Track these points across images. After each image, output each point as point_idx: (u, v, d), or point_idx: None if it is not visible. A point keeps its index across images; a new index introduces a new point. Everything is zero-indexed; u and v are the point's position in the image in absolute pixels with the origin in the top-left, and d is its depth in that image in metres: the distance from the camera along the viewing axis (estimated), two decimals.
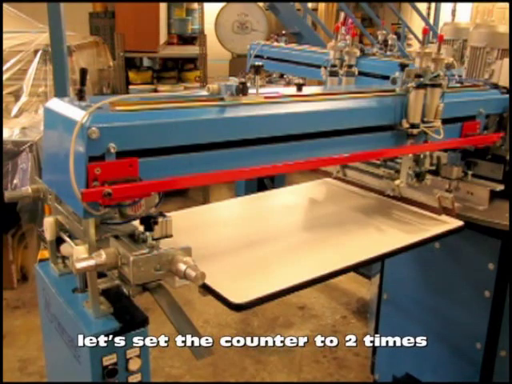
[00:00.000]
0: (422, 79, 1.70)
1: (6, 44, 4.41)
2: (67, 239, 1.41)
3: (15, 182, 3.57)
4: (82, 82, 1.27)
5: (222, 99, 1.36)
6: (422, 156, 1.83)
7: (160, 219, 1.24)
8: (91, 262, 1.18)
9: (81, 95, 1.26)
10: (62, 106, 1.28)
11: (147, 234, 1.23)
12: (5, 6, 4.70)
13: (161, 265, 1.20)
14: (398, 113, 1.72)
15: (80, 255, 1.21)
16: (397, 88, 1.74)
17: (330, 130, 1.57)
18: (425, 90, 1.71)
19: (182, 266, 1.18)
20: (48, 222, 1.44)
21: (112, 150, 1.16)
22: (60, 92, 3.36)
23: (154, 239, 1.23)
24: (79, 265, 1.16)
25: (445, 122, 1.89)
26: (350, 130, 1.63)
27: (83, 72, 1.27)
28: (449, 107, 1.84)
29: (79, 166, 1.14)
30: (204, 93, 1.40)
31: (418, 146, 1.79)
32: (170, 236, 1.27)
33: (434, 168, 1.86)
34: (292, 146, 1.49)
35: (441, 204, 1.83)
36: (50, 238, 1.47)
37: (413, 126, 1.72)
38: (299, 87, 1.63)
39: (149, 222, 1.23)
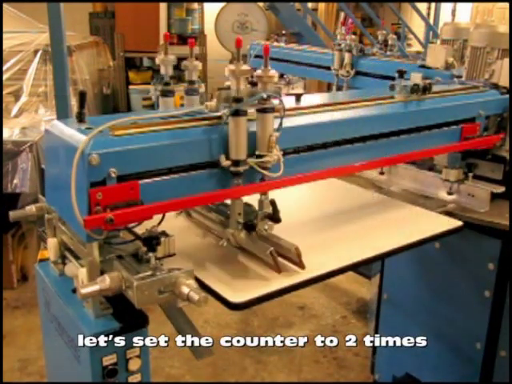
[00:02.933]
0: (239, 104, 1.32)
1: (5, 44, 4.41)
2: (72, 260, 1.41)
3: (15, 182, 3.57)
4: (82, 104, 1.27)
5: (220, 117, 1.36)
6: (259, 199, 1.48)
7: (162, 239, 1.25)
8: (96, 288, 1.19)
9: (80, 118, 1.26)
10: (63, 130, 1.28)
11: (150, 254, 1.23)
12: (5, 5, 4.70)
13: (164, 287, 1.20)
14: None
15: (85, 278, 1.23)
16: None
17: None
18: (245, 117, 1.34)
19: (185, 289, 1.18)
20: (52, 242, 1.46)
21: (113, 175, 1.16)
22: (60, 92, 3.35)
23: (157, 259, 1.24)
24: (84, 290, 1.17)
25: (444, 125, 1.89)
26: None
27: (82, 95, 1.27)
28: (448, 111, 1.84)
29: (81, 192, 1.15)
30: (202, 110, 1.40)
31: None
32: (174, 255, 1.28)
33: (270, 212, 1.47)
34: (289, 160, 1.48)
35: (275, 260, 1.41)
36: (54, 258, 1.48)
37: (236, 163, 1.35)
38: (298, 98, 1.63)
39: (151, 244, 1.23)
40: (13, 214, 1.49)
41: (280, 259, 1.43)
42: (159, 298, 1.20)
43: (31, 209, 1.49)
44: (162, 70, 1.61)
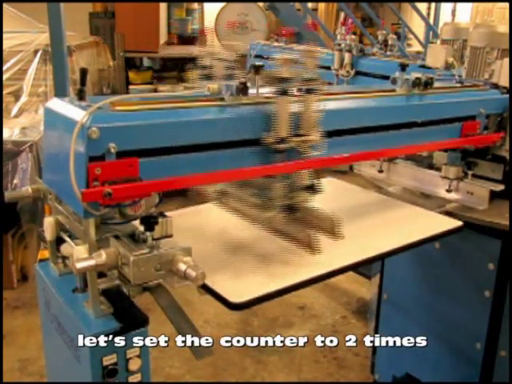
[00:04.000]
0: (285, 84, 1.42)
1: (5, 44, 4.40)
2: (67, 239, 1.41)
3: (15, 181, 3.57)
4: (82, 81, 1.27)
5: (222, 99, 1.36)
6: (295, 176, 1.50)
7: (160, 219, 1.24)
8: (91, 262, 1.18)
9: (81, 95, 1.25)
10: (62, 106, 1.28)
11: (147, 234, 1.23)
12: (5, 5, 4.70)
13: (161, 265, 1.20)
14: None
15: (80, 255, 1.21)
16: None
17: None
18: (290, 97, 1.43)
19: (183, 266, 1.18)
20: (48, 221, 1.44)
21: (112, 150, 1.16)
22: (60, 92, 3.36)
23: (154, 239, 1.23)
24: (79, 265, 1.16)
25: (445, 121, 1.89)
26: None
27: (83, 72, 1.27)
28: (448, 107, 1.84)
29: (79, 166, 1.14)
30: (204, 93, 1.40)
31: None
32: (171, 236, 1.27)
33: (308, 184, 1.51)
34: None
35: (312, 243, 1.49)
36: (50, 237, 1.47)
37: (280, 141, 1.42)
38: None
39: (149, 222, 1.22)
40: (8, 195, 1.47)
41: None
42: (156, 274, 1.19)
43: (27, 189, 1.46)
44: None
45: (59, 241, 1.48)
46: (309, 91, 1.44)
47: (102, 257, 1.19)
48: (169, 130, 1.27)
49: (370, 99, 1.72)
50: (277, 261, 1.52)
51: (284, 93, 1.40)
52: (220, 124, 1.35)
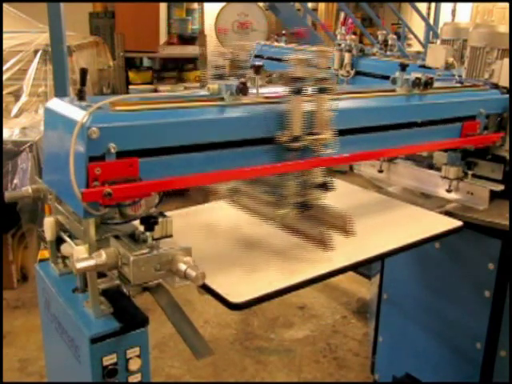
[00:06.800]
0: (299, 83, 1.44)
1: (5, 44, 4.41)
2: (67, 239, 1.41)
3: (15, 181, 3.57)
4: (83, 81, 1.27)
5: (222, 99, 1.36)
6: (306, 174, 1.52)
7: (160, 219, 1.24)
8: (91, 262, 1.18)
9: (81, 95, 1.25)
10: (62, 106, 1.28)
11: (147, 234, 1.23)
12: (5, 6, 4.70)
13: (161, 265, 1.20)
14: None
15: (80, 255, 1.21)
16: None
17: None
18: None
19: (183, 266, 1.18)
20: (48, 221, 1.44)
21: (112, 150, 1.16)
22: (60, 92, 3.36)
23: (154, 239, 1.23)
24: (79, 265, 1.16)
25: (445, 121, 1.89)
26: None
27: (83, 72, 1.27)
28: (448, 107, 1.84)
29: (79, 166, 1.14)
30: (204, 93, 1.40)
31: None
32: (170, 236, 1.27)
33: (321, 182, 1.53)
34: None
35: (326, 240, 1.50)
36: (50, 237, 1.47)
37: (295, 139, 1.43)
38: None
39: (149, 222, 1.22)
40: (8, 195, 1.48)
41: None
42: (156, 274, 1.19)
43: (27, 189, 1.47)
44: None
45: (59, 241, 1.48)
46: (321, 91, 1.46)
47: (102, 257, 1.19)
48: (169, 129, 1.27)
49: (370, 99, 1.72)
50: (279, 260, 1.52)
51: (297, 92, 1.43)
52: (221, 123, 1.35)
